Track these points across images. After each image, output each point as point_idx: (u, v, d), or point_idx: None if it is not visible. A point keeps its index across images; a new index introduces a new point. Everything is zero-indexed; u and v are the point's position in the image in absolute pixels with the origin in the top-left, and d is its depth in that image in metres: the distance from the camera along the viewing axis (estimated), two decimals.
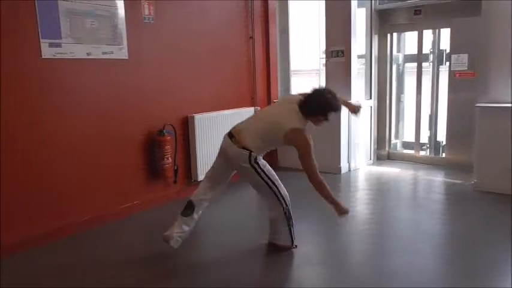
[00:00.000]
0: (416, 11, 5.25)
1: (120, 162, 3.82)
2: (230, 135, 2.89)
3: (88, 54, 3.52)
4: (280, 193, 2.94)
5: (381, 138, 5.86)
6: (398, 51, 5.76)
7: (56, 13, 3.29)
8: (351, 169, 5.38)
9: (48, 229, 3.30)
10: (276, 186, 2.91)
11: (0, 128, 3.03)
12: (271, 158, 5.67)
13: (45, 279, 2.78)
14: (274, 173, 2.95)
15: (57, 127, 3.37)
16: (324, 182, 2.80)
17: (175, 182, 4.24)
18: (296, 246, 3.06)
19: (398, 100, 5.84)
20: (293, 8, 5.69)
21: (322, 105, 2.79)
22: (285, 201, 2.96)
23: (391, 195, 4.54)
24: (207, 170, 4.45)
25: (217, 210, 3.99)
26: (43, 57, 3.23)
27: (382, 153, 5.89)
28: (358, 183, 5.04)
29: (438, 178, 4.96)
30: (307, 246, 3.24)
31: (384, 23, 5.57)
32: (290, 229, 3.02)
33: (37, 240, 3.22)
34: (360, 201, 4.36)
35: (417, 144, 5.69)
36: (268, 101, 5.58)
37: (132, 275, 2.81)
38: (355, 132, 5.38)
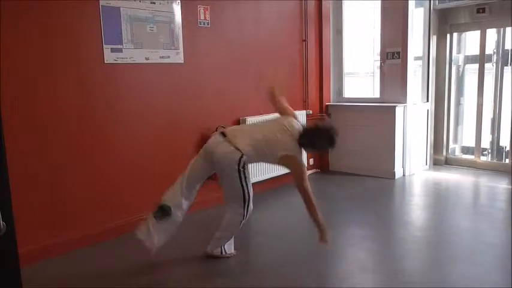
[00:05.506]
0: (480, 9, 5.00)
1: (174, 162, 3.92)
2: (222, 134, 2.85)
3: (147, 58, 3.66)
4: (249, 204, 2.91)
5: (438, 143, 5.64)
6: (459, 52, 5.52)
7: (118, 19, 3.45)
8: (406, 174, 5.21)
9: (106, 228, 3.47)
10: (249, 195, 2.89)
11: (64, 130, 3.23)
12: (321, 162, 5.62)
13: (92, 278, 2.90)
14: (251, 182, 2.94)
15: (115, 131, 3.53)
16: (315, 204, 2.79)
17: None
18: (229, 256, 3.06)
19: (458, 103, 5.60)
20: (348, 8, 5.61)
21: (319, 144, 2.87)
22: (247, 213, 2.93)
23: (450, 202, 4.34)
24: (257, 173, 4.56)
25: (271, 213, 4.01)
26: (106, 62, 3.40)
27: (439, 158, 5.66)
28: (414, 188, 4.87)
29: (501, 185, 4.69)
30: (362, 252, 3.17)
31: (443, 23, 5.36)
32: (229, 240, 3.02)
33: (97, 238, 3.39)
34: (415, 207, 4.21)
35: (478, 149, 5.41)
36: (321, 104, 5.54)
37: (182, 273, 2.88)
38: (410, 136, 5.20)
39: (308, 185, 2.79)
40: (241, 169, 2.81)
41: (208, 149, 2.88)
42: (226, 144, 2.79)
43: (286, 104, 3.10)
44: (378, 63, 5.37)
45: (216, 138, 2.87)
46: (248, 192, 2.88)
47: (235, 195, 2.87)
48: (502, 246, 3.18)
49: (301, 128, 2.87)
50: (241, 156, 2.76)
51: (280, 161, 2.82)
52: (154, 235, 2.86)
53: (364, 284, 2.73)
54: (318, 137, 2.82)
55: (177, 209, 2.88)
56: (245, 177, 2.85)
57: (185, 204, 2.93)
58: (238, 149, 2.76)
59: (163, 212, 2.84)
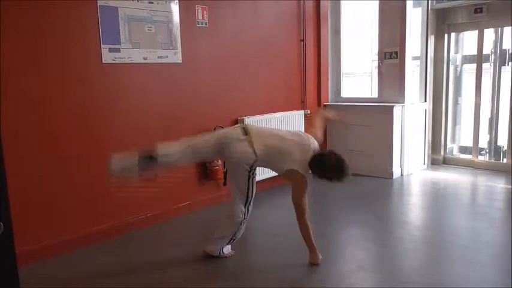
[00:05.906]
0: (477, 9, 5.01)
1: None
2: (243, 130, 2.83)
3: (144, 58, 3.65)
4: (249, 206, 2.93)
5: (435, 143, 5.65)
6: (456, 51, 5.53)
7: (116, 19, 3.44)
8: (404, 174, 5.22)
9: (105, 228, 3.46)
10: (252, 195, 2.91)
11: (61, 130, 3.22)
12: None
13: (91, 278, 2.88)
14: (255, 186, 2.95)
15: (113, 130, 3.51)
16: (309, 224, 2.86)
17: (224, 184, 4.29)
18: (227, 256, 3.06)
19: (455, 103, 5.61)
20: (345, 8, 5.61)
21: (325, 171, 2.82)
22: (248, 212, 2.94)
23: (448, 202, 4.35)
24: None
25: (267, 214, 4.01)
26: (104, 62, 3.39)
27: (437, 157, 5.67)
28: (412, 188, 4.87)
29: (499, 184, 4.70)
30: (360, 252, 3.17)
31: (441, 22, 5.37)
32: (230, 241, 3.01)
33: (96, 238, 3.38)
34: (414, 207, 4.22)
35: (475, 149, 5.42)
36: (319, 104, 5.54)
37: (177, 274, 2.86)
38: (408, 136, 5.21)
39: (306, 205, 2.84)
40: (253, 170, 2.84)
41: (224, 140, 2.82)
42: (246, 144, 2.77)
43: (321, 129, 3.17)
44: (376, 63, 5.37)
45: (236, 134, 2.82)
46: (252, 193, 2.90)
47: (240, 192, 2.89)
48: (500, 246, 3.19)
49: (316, 152, 2.86)
50: (256, 160, 2.78)
51: (285, 173, 2.83)
52: (125, 171, 2.75)
53: (362, 284, 2.73)
54: (328, 165, 2.80)
55: (165, 158, 2.77)
56: (253, 177, 2.88)
57: (176, 160, 2.84)
58: (255, 152, 2.75)
59: (151, 158, 2.73)
